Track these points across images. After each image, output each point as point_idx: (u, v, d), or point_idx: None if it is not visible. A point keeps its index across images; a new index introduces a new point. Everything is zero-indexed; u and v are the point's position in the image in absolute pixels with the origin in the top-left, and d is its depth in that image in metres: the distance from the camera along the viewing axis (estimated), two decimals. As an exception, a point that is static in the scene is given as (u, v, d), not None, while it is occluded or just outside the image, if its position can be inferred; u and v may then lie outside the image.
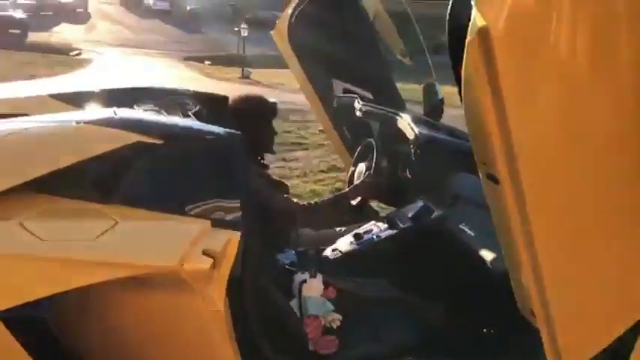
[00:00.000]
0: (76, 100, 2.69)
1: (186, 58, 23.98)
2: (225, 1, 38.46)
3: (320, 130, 7.47)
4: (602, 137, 1.35)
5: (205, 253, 1.63)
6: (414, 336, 2.40)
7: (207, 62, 23.27)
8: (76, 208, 1.68)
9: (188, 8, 37.63)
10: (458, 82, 1.40)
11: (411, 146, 2.58)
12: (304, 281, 2.36)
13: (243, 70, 18.04)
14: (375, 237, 2.68)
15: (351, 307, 2.42)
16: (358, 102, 3.10)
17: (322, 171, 6.30)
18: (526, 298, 1.60)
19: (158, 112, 2.37)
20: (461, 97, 1.40)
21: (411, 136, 2.59)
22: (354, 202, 2.86)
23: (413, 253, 2.58)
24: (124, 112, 1.99)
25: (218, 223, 1.74)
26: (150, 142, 1.79)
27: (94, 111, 2.07)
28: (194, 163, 1.85)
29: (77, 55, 22.60)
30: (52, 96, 2.79)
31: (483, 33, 1.11)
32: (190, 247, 1.61)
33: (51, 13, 32.68)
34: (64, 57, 20.81)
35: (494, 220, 1.48)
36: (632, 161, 1.40)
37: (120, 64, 20.11)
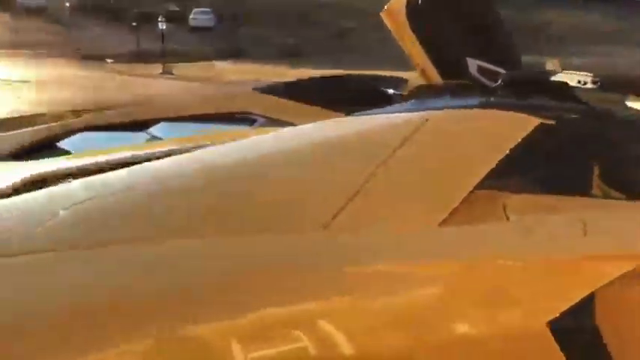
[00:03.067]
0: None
1: (85, 57, 22.50)
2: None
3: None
4: None
5: None
6: None
7: (109, 60, 22.01)
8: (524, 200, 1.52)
9: (67, 4, 35.28)
10: None
11: None
12: None
13: (164, 66, 17.23)
14: None
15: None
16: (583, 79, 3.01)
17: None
18: None
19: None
20: None
21: None
22: None
23: None
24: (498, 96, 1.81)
25: None
26: (548, 124, 1.65)
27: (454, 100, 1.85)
28: (587, 142, 1.73)
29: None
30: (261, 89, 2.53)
31: None
32: None
33: None
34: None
35: None
36: None
37: (15, 68, 18.45)
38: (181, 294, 1.09)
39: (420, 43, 3.59)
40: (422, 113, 1.63)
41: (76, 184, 1.48)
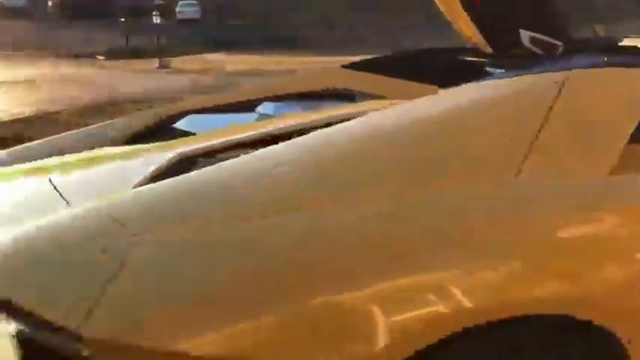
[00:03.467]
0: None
1: (75, 55, 22.30)
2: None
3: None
4: None
5: None
6: None
7: (100, 57, 21.87)
8: None
9: (50, 3, 34.92)
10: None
11: None
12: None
13: (160, 60, 17.12)
14: None
15: None
16: None
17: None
18: None
19: None
20: None
21: None
22: None
23: None
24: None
25: None
26: None
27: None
28: None
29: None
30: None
31: None
32: None
33: None
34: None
35: None
36: None
37: (5, 70, 18.19)
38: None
39: (470, 17, 3.65)
40: (560, 73, 1.71)
41: (251, 156, 1.53)
